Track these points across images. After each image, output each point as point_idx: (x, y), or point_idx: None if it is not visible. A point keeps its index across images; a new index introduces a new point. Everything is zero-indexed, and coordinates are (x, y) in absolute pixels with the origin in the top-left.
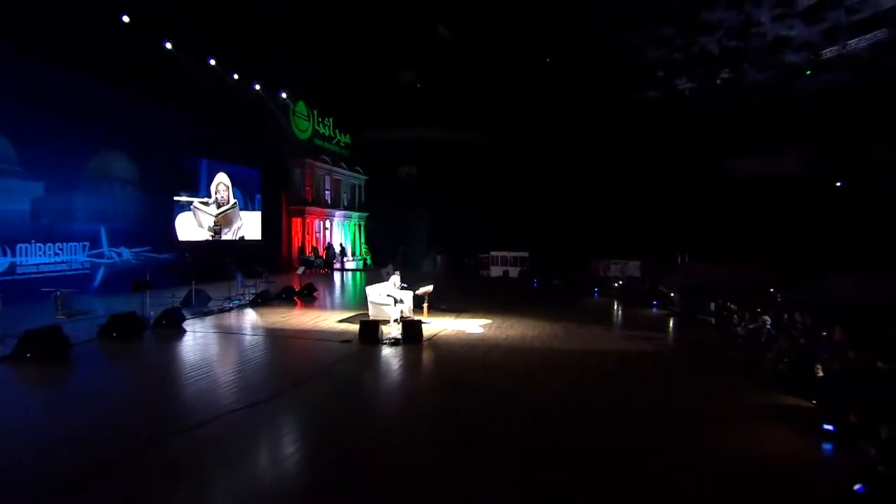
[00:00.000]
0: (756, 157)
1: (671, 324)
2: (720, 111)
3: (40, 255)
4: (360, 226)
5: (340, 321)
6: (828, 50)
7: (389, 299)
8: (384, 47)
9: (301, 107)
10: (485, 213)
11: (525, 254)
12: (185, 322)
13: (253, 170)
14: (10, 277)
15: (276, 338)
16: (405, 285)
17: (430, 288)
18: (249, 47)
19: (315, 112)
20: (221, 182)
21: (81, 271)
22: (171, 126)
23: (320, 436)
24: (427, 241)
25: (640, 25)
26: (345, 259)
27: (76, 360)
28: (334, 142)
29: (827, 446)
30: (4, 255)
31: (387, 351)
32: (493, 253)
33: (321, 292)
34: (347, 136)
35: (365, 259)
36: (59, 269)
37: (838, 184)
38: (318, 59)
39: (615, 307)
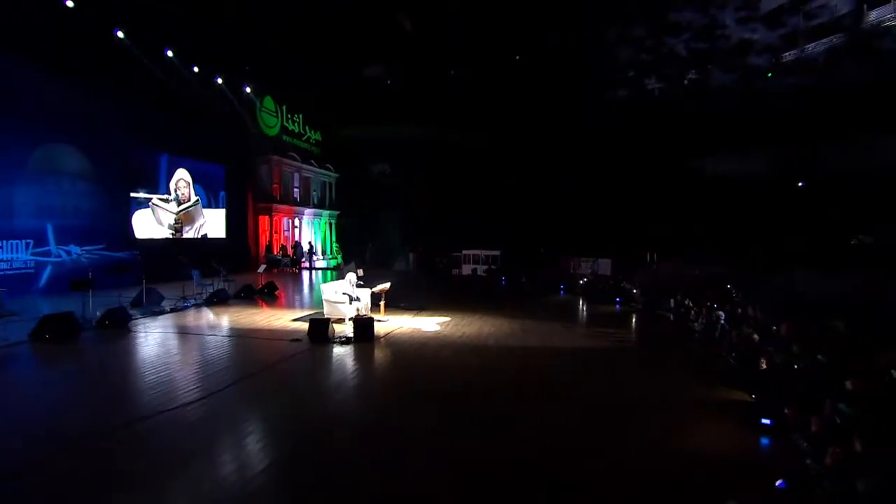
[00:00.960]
0: (724, 157)
1: (630, 320)
2: (690, 111)
3: None
4: (331, 224)
5: (295, 320)
6: (787, 53)
7: (345, 297)
8: (357, 43)
9: (268, 102)
10: (459, 211)
11: (497, 252)
12: (132, 322)
13: (216, 166)
14: None
15: (224, 337)
16: (362, 283)
17: (386, 285)
18: (215, 40)
19: (284, 108)
20: (182, 178)
21: (25, 270)
22: (126, 120)
23: (240, 439)
24: (401, 239)
25: (612, 24)
26: (314, 258)
27: None
28: (304, 139)
29: (764, 440)
30: None
31: (335, 350)
32: (465, 251)
33: (284, 291)
34: (318, 133)
35: (336, 257)
36: None
37: (799, 184)
38: (288, 53)
39: (578, 304)
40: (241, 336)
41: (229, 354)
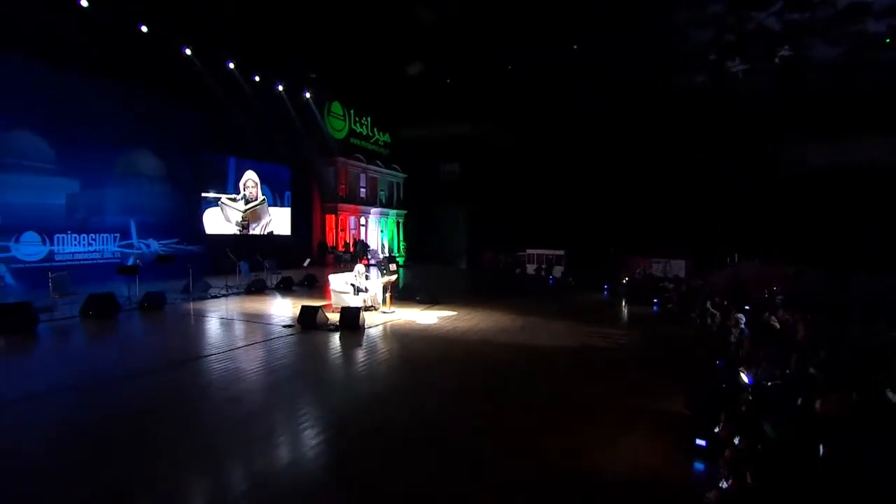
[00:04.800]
0: (828, 145)
1: (652, 322)
2: (784, 94)
3: (75, 245)
4: (398, 223)
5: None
6: None
7: (350, 288)
8: (422, 43)
9: (336, 107)
10: (528, 210)
11: (562, 252)
12: (168, 305)
13: (282, 167)
14: (48, 264)
15: (229, 320)
16: (368, 274)
17: (393, 277)
18: (284, 47)
19: (352, 112)
20: (250, 178)
21: (112, 260)
22: (198, 127)
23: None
24: (466, 237)
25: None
26: (375, 255)
27: (41, 333)
28: (372, 140)
29: (698, 465)
30: (44, 243)
31: (316, 336)
32: (529, 251)
33: (324, 283)
34: (387, 134)
35: (403, 255)
36: (92, 257)
37: None
38: (356, 59)
39: (609, 305)
40: (243, 321)
41: (221, 334)
